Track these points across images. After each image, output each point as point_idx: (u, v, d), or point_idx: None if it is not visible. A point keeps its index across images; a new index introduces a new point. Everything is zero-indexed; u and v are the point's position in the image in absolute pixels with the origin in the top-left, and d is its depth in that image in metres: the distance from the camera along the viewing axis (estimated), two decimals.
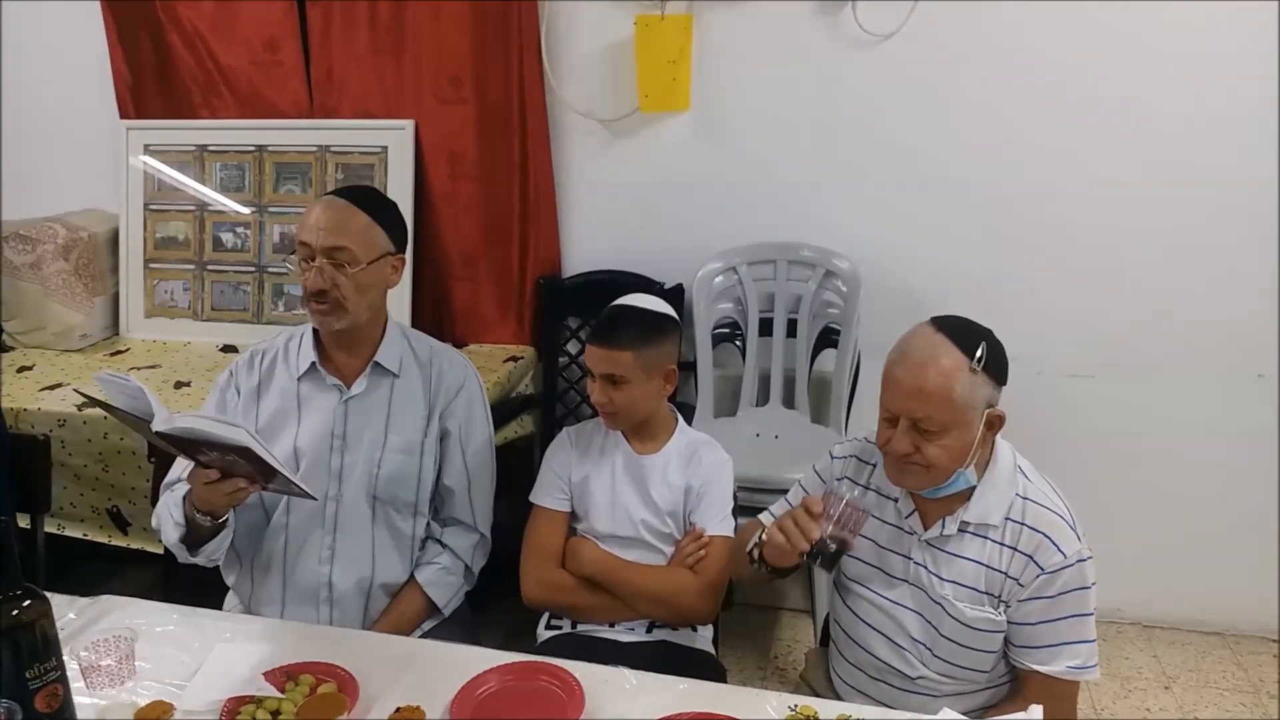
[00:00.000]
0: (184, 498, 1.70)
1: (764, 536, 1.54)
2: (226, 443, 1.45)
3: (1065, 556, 1.46)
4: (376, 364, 1.86)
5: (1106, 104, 2.54)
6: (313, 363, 1.85)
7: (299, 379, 1.86)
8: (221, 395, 1.90)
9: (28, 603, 1.27)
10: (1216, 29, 2.43)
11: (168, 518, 1.76)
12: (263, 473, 1.54)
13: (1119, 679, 2.71)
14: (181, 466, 1.79)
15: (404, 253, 1.89)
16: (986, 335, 1.48)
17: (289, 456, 1.82)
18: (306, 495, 1.61)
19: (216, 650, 1.54)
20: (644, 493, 1.89)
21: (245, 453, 1.46)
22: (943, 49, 2.58)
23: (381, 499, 1.86)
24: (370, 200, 1.85)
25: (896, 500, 1.58)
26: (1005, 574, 1.48)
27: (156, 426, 1.44)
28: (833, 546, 1.45)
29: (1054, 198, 2.64)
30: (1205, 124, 2.51)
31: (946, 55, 2.59)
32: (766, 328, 2.81)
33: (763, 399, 2.85)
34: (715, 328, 2.82)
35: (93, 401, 1.60)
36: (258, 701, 1.41)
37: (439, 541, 1.94)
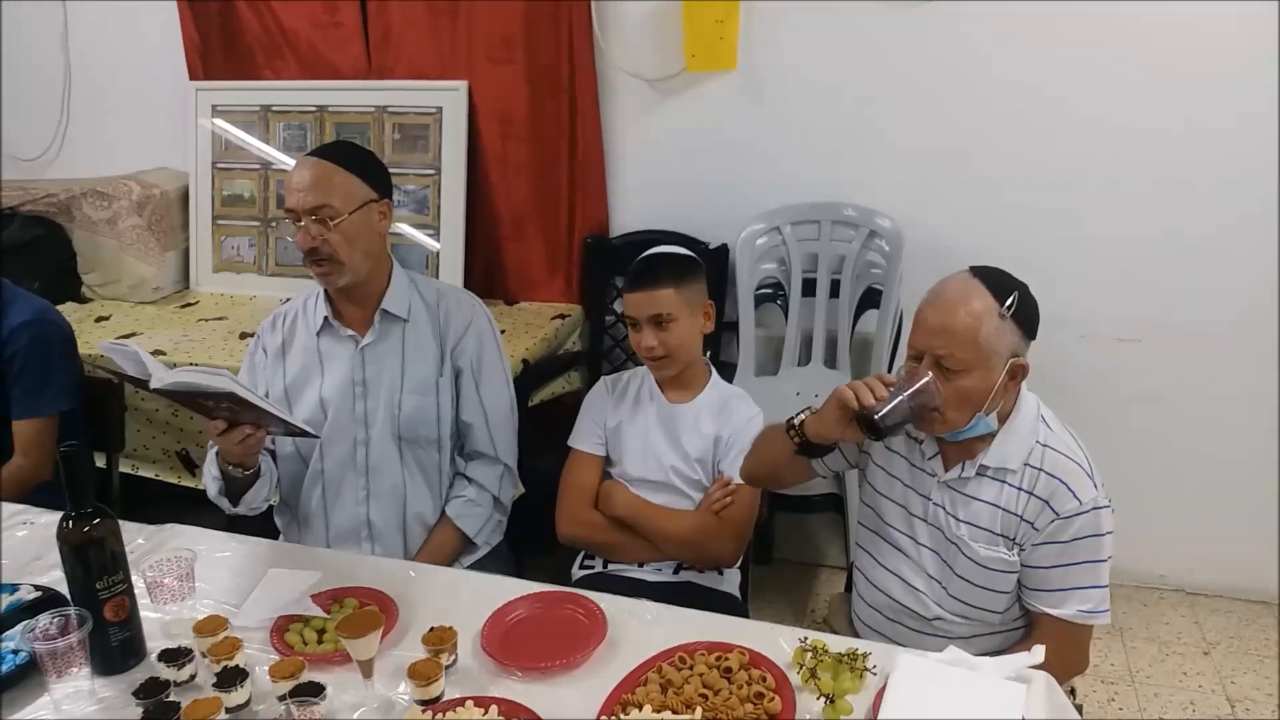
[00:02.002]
0: (216, 453, 1.81)
1: (810, 410, 1.59)
2: (216, 391, 1.54)
3: (1081, 503, 1.48)
4: (384, 311, 1.94)
5: (1157, 74, 2.51)
6: (325, 318, 1.94)
7: (317, 334, 1.96)
8: (250, 359, 2.02)
9: (97, 520, 1.39)
10: None
11: (207, 474, 1.88)
12: (262, 415, 1.61)
13: (1157, 643, 2.71)
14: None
15: (389, 198, 1.93)
16: (1021, 286, 1.51)
17: (316, 408, 1.92)
18: (307, 434, 1.71)
19: (270, 574, 1.66)
20: (675, 440, 1.95)
21: (238, 399, 1.55)
22: (991, 13, 2.57)
23: (406, 438, 1.95)
24: (344, 153, 1.91)
25: (921, 442, 1.62)
26: (1020, 517, 1.52)
27: (153, 384, 1.54)
28: (893, 419, 1.46)
29: (1097, 163, 2.62)
30: (1256, 96, 2.46)
31: (995, 19, 2.57)
32: (809, 288, 2.84)
33: (805, 359, 2.88)
34: (759, 288, 2.86)
35: (107, 371, 1.69)
36: (305, 620, 1.52)
37: (464, 476, 2.03)
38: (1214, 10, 2.42)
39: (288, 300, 2.10)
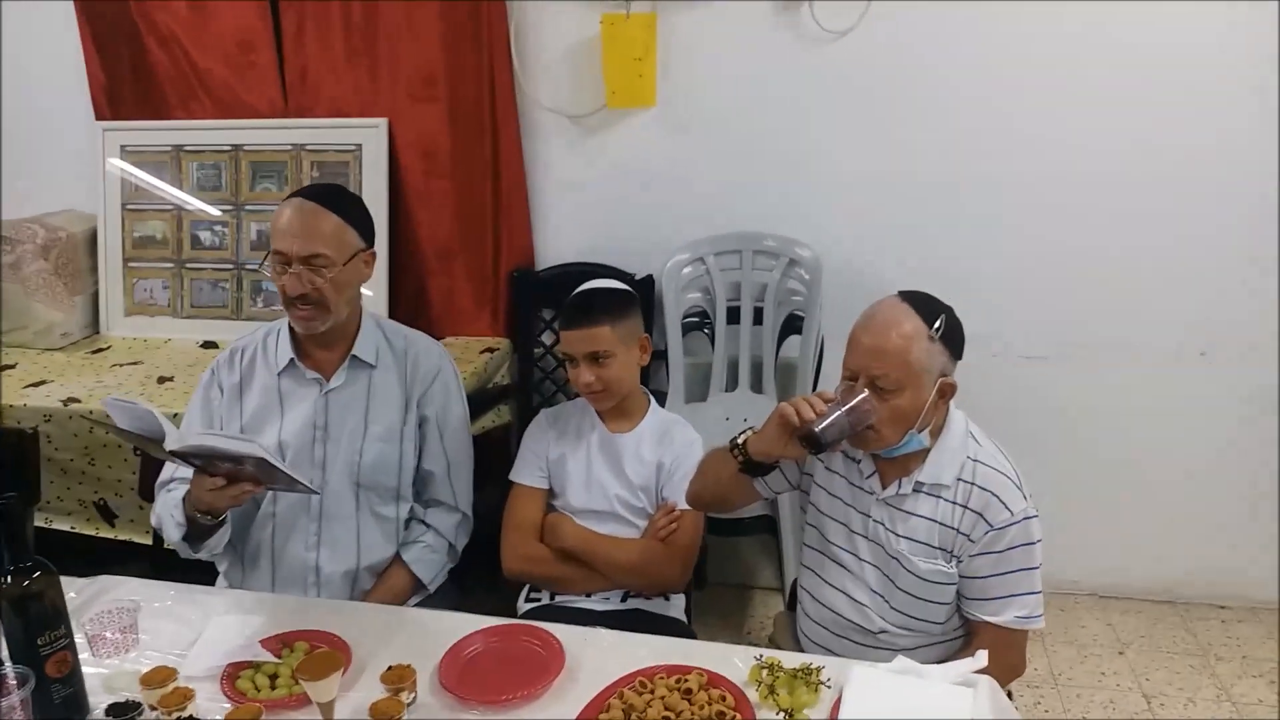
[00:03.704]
0: (183, 499, 1.77)
1: (751, 430, 1.66)
2: (238, 455, 1.54)
3: (1012, 514, 1.57)
4: (354, 357, 1.93)
5: (1060, 97, 2.65)
6: (291, 359, 1.92)
7: (279, 374, 1.93)
8: (205, 393, 1.97)
9: (37, 574, 1.35)
10: (1172, 21, 2.55)
11: (169, 519, 1.83)
12: (267, 475, 1.61)
13: (1075, 646, 2.83)
14: (174, 467, 1.87)
15: (373, 246, 1.94)
16: (947, 310, 1.60)
17: (274, 449, 1.88)
18: (310, 491, 1.70)
19: (214, 622, 1.62)
20: (618, 469, 1.98)
21: (255, 461, 1.55)
22: (897, 45, 2.69)
23: (365, 486, 1.93)
24: (338, 199, 1.90)
25: (859, 461, 1.69)
26: (956, 530, 1.59)
27: (169, 446, 1.52)
28: (832, 434, 1.51)
29: (1007, 186, 2.75)
30: (1158, 110, 2.62)
31: (901, 51, 2.69)
32: (734, 316, 2.91)
33: (732, 384, 2.94)
34: (685, 317, 2.91)
35: (105, 427, 1.66)
36: (256, 666, 1.50)
37: (423, 522, 2.02)
38: (1152, 33, 2.56)
39: (206, 344, 2.06)
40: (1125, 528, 2.96)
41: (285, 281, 1.81)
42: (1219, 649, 2.79)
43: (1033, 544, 1.58)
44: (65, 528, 2.72)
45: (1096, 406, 2.88)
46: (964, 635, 1.68)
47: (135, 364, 2.94)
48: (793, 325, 2.87)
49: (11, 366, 2.95)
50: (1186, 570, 2.97)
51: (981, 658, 1.42)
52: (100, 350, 3.09)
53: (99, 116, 3.18)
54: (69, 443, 2.61)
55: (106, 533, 2.71)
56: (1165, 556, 2.98)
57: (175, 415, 2.15)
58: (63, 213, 3.22)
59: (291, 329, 1.92)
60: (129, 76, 3.14)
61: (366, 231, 1.92)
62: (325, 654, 1.37)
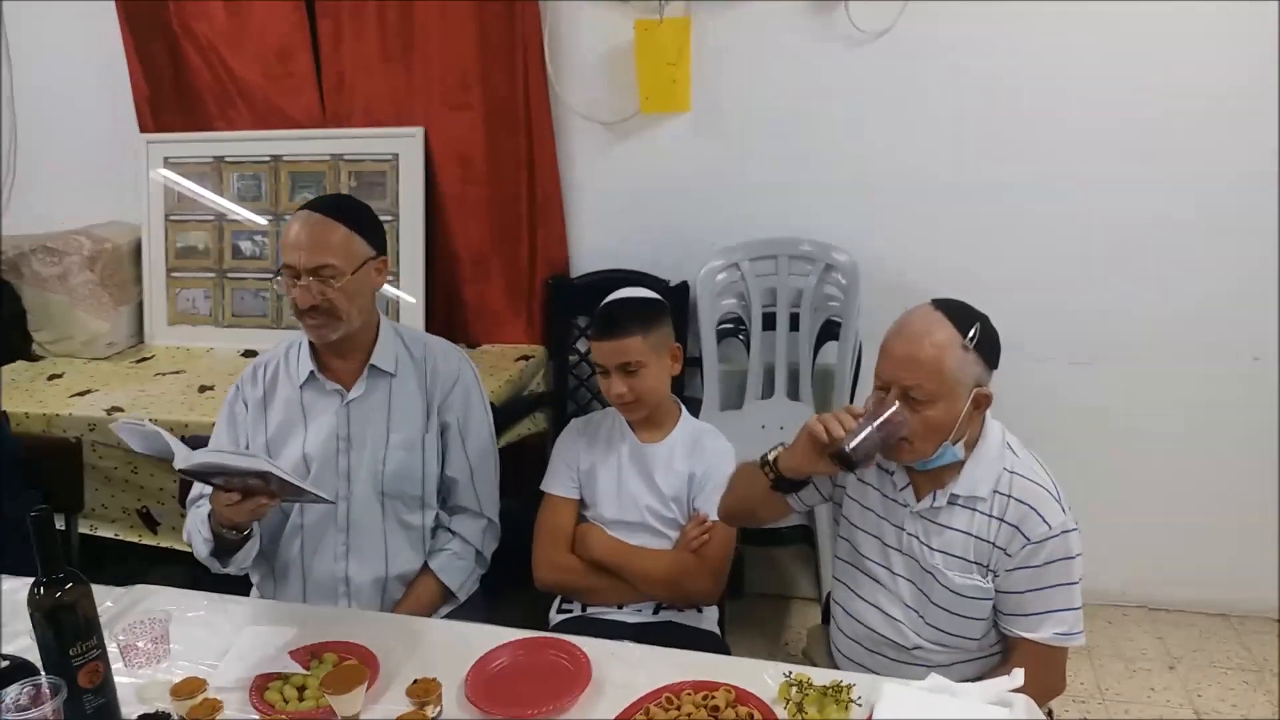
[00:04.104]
0: (209, 515, 1.78)
1: (781, 446, 1.62)
2: (247, 470, 1.55)
3: (1050, 527, 1.52)
4: (373, 366, 1.93)
5: (1095, 98, 2.60)
6: (311, 372, 1.93)
7: (300, 387, 1.94)
8: (230, 409, 1.99)
9: (69, 585, 1.36)
10: (1204, 24, 2.49)
11: (197, 535, 1.85)
12: (282, 487, 1.61)
13: (1123, 660, 2.76)
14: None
15: (384, 254, 1.94)
16: (982, 318, 1.55)
17: (299, 463, 1.90)
18: (326, 501, 1.71)
19: (245, 632, 1.63)
20: (649, 480, 1.97)
21: (265, 475, 1.56)
22: (935, 46, 2.65)
23: (389, 495, 1.94)
24: (345, 210, 1.90)
25: (893, 473, 1.65)
26: (993, 544, 1.55)
27: (178, 464, 1.53)
28: (863, 450, 1.48)
29: (1046, 190, 2.69)
30: (1193, 114, 2.56)
31: (939, 52, 2.65)
32: (769, 322, 2.87)
33: (768, 392, 2.91)
34: (720, 323, 2.89)
35: (126, 449, 1.68)
36: (285, 678, 1.50)
37: (448, 529, 2.02)
38: (1171, 33, 2.52)
39: (247, 353, 2.08)
40: (1172, 537, 2.87)
41: (295, 294, 1.83)
42: (1275, 664, 2.70)
43: (1072, 558, 1.53)
44: (110, 535, 2.77)
45: (1141, 411, 2.80)
46: (1001, 652, 1.63)
47: (178, 373, 2.98)
48: (830, 331, 2.83)
49: (59, 376, 3.01)
50: (1242, 582, 2.87)
51: (1018, 676, 1.37)
52: (144, 359, 3.14)
53: (143, 128, 3.23)
54: (113, 451, 2.65)
55: (149, 540, 2.75)
56: (1219, 567, 2.88)
57: (213, 424, 2.18)
58: (108, 224, 3.28)
59: (312, 343, 1.94)
60: (170, 88, 3.19)
61: (376, 240, 1.92)
62: (350, 667, 1.37)
